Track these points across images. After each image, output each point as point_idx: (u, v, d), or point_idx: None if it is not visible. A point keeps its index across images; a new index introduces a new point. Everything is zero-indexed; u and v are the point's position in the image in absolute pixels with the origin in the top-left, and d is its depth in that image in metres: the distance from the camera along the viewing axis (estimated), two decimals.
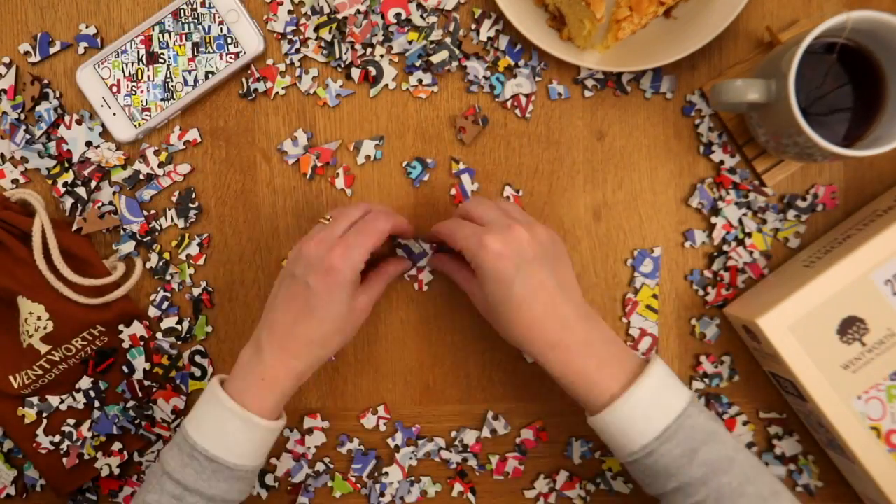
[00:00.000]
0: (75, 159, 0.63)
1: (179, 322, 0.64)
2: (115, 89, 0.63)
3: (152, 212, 0.64)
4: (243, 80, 0.64)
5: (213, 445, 0.53)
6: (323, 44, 0.64)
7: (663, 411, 0.52)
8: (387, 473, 0.65)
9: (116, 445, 0.64)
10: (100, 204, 0.64)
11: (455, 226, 0.56)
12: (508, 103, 0.64)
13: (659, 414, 0.52)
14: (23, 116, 0.64)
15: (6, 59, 0.64)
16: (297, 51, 0.64)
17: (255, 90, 0.64)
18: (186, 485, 0.53)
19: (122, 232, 0.64)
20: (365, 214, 0.57)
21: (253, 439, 0.54)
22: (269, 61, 0.64)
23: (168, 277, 0.64)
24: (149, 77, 0.63)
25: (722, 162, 0.63)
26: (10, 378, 0.62)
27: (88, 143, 0.63)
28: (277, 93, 0.64)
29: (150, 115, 0.63)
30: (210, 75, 0.63)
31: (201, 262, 0.65)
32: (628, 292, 0.65)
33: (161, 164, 0.64)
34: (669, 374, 0.54)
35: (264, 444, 0.55)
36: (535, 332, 0.53)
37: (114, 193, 0.64)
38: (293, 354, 0.55)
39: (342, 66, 0.64)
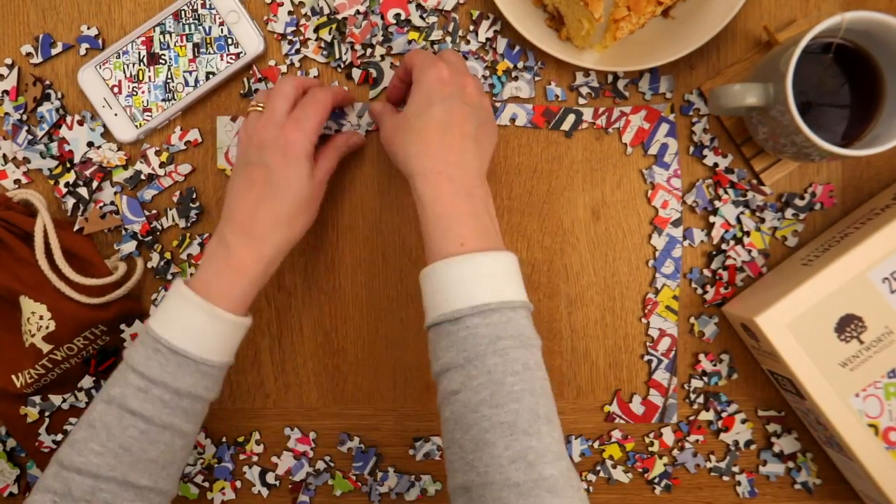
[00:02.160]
0: (77, 160, 0.64)
1: None
2: (116, 90, 0.63)
3: (153, 212, 0.64)
4: (245, 79, 0.64)
5: (177, 338, 0.51)
6: (323, 44, 0.64)
7: (494, 291, 0.49)
8: (387, 472, 0.66)
9: None
10: (101, 204, 0.64)
11: (419, 54, 0.57)
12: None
13: (489, 290, 0.49)
14: (25, 117, 0.64)
15: (8, 61, 0.64)
16: (298, 51, 0.64)
17: (257, 90, 0.64)
18: (151, 377, 0.51)
19: (123, 232, 0.64)
20: (299, 92, 0.57)
21: (218, 333, 0.52)
22: (272, 62, 0.64)
23: (169, 277, 0.65)
24: (150, 78, 0.63)
25: (716, 164, 0.64)
26: (13, 377, 0.62)
27: (90, 144, 0.64)
28: None
29: (151, 116, 0.63)
30: (211, 76, 0.63)
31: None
32: (649, 292, 0.65)
33: (162, 165, 0.64)
34: (519, 275, 0.52)
35: (230, 339, 0.54)
36: (431, 152, 0.52)
37: (115, 193, 0.64)
38: (260, 239, 0.54)
39: (342, 66, 0.64)
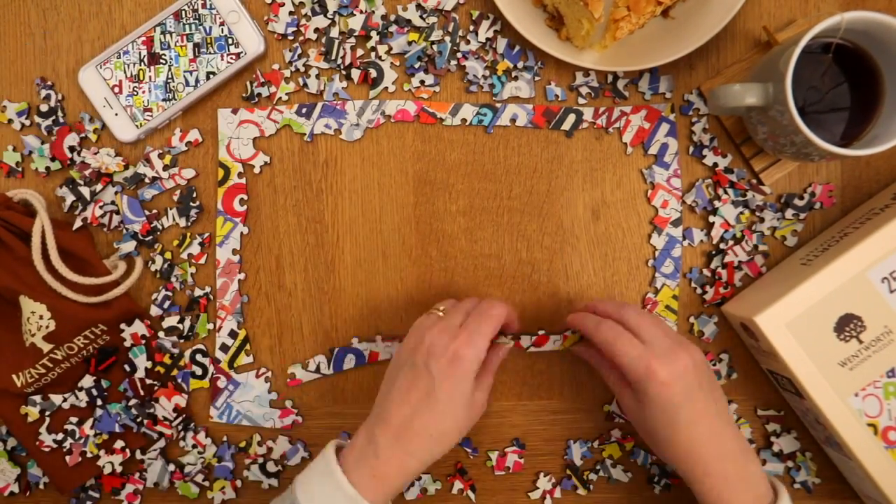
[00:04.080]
0: (77, 160, 0.64)
1: (181, 321, 0.65)
2: (116, 90, 0.63)
3: (154, 211, 0.65)
4: (248, 83, 0.64)
5: None
6: (323, 43, 0.64)
7: None
8: None
9: (119, 443, 0.64)
10: (101, 203, 0.64)
11: (615, 337, 0.55)
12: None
13: None
14: (26, 118, 0.64)
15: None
16: (300, 56, 0.64)
17: (259, 94, 0.64)
18: None
19: (123, 231, 0.64)
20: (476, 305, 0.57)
21: None
22: (275, 66, 0.64)
23: (173, 279, 0.65)
24: (150, 77, 0.63)
25: (715, 164, 0.64)
26: (14, 377, 0.62)
27: (91, 144, 0.64)
28: (280, 97, 0.64)
29: (151, 116, 0.64)
30: (211, 76, 0.63)
31: (203, 261, 0.65)
32: (648, 292, 0.65)
33: (166, 168, 0.64)
34: None
35: None
36: (694, 456, 0.54)
37: (115, 193, 0.64)
38: (408, 451, 0.53)
39: (342, 67, 0.64)
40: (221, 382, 0.65)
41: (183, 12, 0.63)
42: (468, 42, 0.64)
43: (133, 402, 0.64)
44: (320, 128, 0.65)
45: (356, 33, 0.64)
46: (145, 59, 0.63)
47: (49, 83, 0.64)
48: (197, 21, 0.63)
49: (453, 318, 0.56)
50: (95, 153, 0.64)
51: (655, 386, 0.53)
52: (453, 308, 0.57)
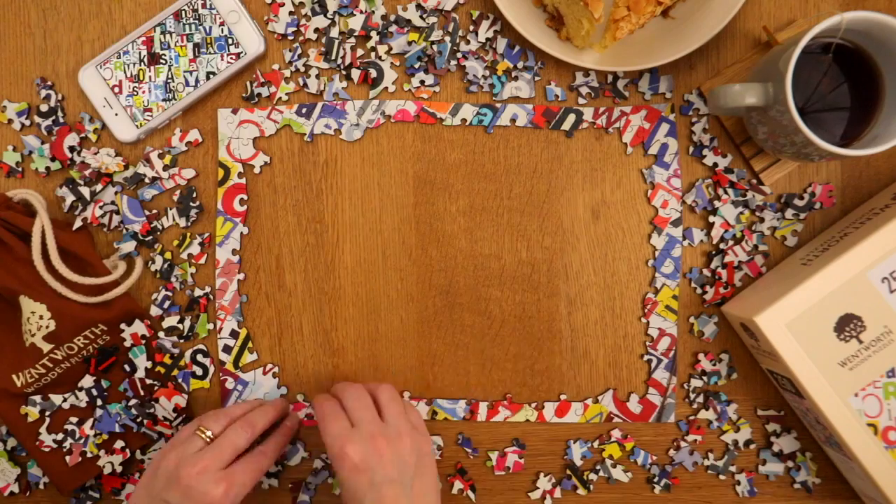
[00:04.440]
0: (77, 159, 0.64)
1: (181, 321, 0.65)
2: (117, 90, 0.64)
3: (154, 211, 0.65)
4: (247, 83, 0.64)
5: None
6: (323, 43, 0.64)
7: None
8: None
9: (119, 443, 0.64)
10: (101, 203, 0.64)
11: (325, 413, 0.56)
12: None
13: None
14: (26, 119, 0.64)
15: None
16: (300, 56, 0.64)
17: (259, 94, 0.64)
18: None
19: (123, 231, 0.64)
20: (250, 436, 0.56)
21: None
22: (275, 66, 0.64)
23: (173, 279, 0.65)
24: (150, 77, 0.63)
25: (715, 164, 0.64)
26: (14, 377, 0.62)
27: (91, 144, 0.64)
28: (280, 97, 0.64)
29: (151, 116, 0.64)
30: (211, 76, 0.63)
31: (203, 261, 0.65)
32: (648, 292, 0.65)
33: (166, 168, 0.64)
34: None
35: None
36: None
37: (115, 193, 0.64)
38: None
39: (342, 67, 0.64)
40: (229, 384, 0.65)
41: (183, 12, 0.63)
42: (468, 42, 0.64)
43: (133, 402, 0.64)
44: (320, 128, 0.65)
45: (356, 33, 0.64)
46: (145, 59, 0.63)
47: (49, 83, 0.64)
48: (197, 21, 0.63)
49: (218, 457, 0.53)
50: (95, 153, 0.64)
51: (345, 469, 0.53)
52: (225, 445, 0.54)
